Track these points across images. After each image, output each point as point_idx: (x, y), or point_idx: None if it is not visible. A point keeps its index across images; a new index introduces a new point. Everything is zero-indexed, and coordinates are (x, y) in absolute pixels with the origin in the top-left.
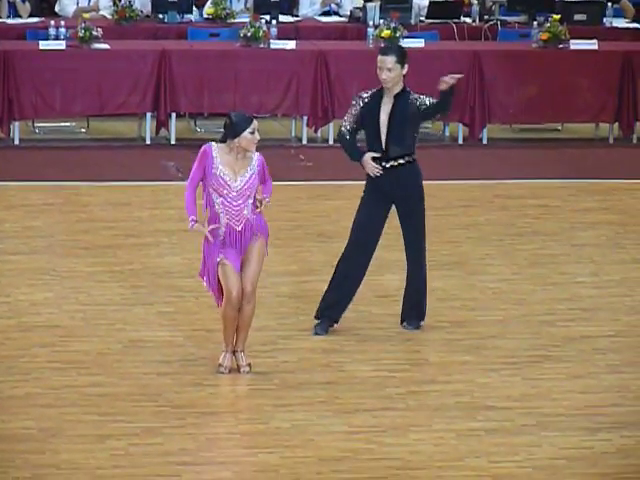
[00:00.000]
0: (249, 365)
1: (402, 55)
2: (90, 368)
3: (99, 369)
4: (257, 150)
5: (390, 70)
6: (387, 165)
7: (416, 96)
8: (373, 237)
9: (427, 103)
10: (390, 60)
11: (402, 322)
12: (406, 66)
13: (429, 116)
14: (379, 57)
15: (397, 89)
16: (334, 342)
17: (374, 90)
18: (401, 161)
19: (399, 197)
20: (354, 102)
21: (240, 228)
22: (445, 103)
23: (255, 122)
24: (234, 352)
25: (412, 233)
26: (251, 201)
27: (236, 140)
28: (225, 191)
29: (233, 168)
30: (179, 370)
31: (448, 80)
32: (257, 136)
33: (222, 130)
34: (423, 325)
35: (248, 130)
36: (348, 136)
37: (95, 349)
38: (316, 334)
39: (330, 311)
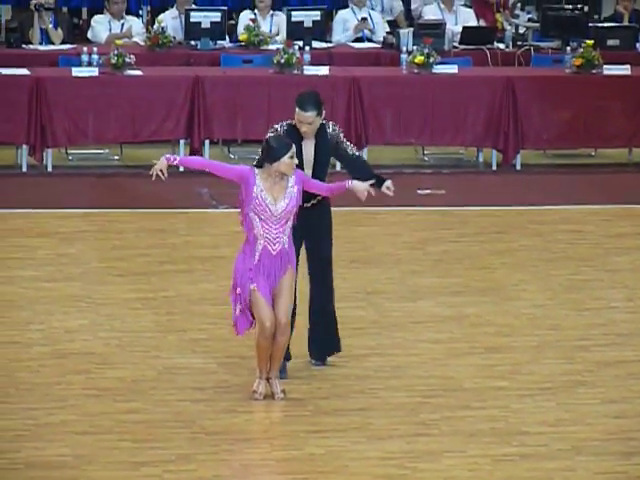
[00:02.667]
0: (283, 391)
1: (320, 106)
2: (125, 395)
3: (134, 396)
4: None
5: (310, 124)
6: (308, 205)
7: (336, 131)
8: None
9: (348, 153)
10: (310, 115)
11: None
12: (324, 112)
13: (339, 160)
14: (298, 111)
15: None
16: (368, 368)
17: (288, 123)
18: (319, 198)
19: (311, 233)
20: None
21: (275, 253)
22: (362, 177)
23: (293, 147)
24: (268, 379)
25: (323, 265)
26: (290, 225)
27: (275, 165)
28: (266, 215)
29: (272, 193)
30: (213, 397)
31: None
32: (295, 160)
33: (257, 155)
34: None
35: (288, 155)
36: None
37: (130, 376)
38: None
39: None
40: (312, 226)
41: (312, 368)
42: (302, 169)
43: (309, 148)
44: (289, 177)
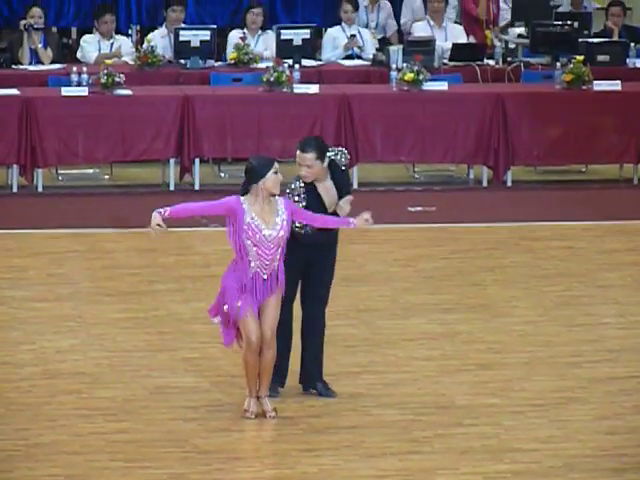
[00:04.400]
0: (274, 410)
1: (322, 150)
2: (116, 415)
3: (125, 416)
4: (283, 193)
5: (310, 167)
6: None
7: (343, 159)
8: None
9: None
10: (310, 157)
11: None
12: (326, 160)
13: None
14: (298, 153)
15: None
16: (360, 386)
17: (300, 183)
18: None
19: (317, 256)
20: (292, 191)
21: (266, 277)
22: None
23: (276, 163)
24: (258, 398)
25: (323, 289)
26: (280, 250)
27: (260, 183)
28: (260, 240)
29: (263, 218)
30: (205, 416)
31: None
32: (280, 177)
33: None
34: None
35: (271, 171)
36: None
37: (121, 395)
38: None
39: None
40: (323, 247)
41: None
42: (325, 211)
43: (330, 188)
44: (277, 200)
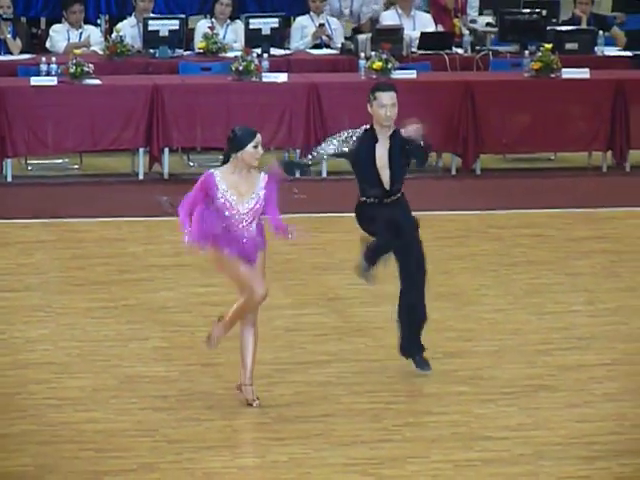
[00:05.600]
0: (258, 398)
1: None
2: (86, 404)
3: (95, 405)
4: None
5: (394, 105)
6: (388, 201)
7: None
8: None
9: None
10: (395, 95)
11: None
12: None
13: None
14: (387, 94)
15: (392, 128)
16: (330, 374)
17: (363, 130)
18: (398, 195)
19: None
20: (348, 134)
21: (245, 241)
22: (422, 157)
23: (259, 136)
24: (244, 386)
25: (414, 263)
26: (256, 222)
27: (239, 153)
28: (233, 213)
29: (239, 190)
30: (175, 405)
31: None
32: (260, 150)
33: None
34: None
35: (251, 144)
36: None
37: (91, 385)
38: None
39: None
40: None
41: (273, 375)
42: (376, 173)
43: (383, 150)
44: (259, 176)
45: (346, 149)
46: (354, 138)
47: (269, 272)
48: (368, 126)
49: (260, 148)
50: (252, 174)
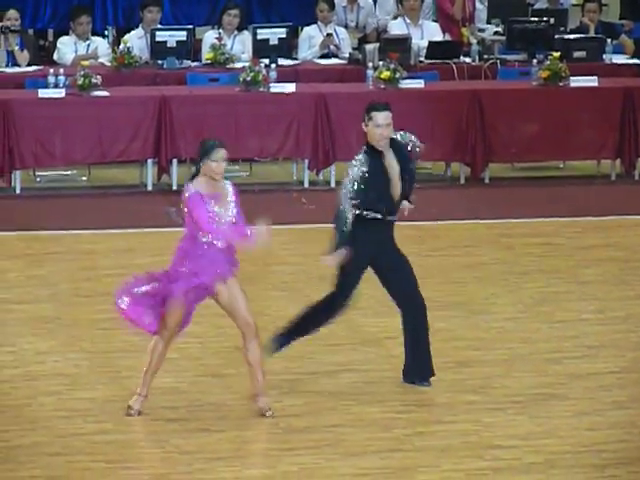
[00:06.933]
0: (270, 408)
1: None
2: (97, 416)
3: (105, 416)
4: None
5: (390, 125)
6: (390, 218)
7: (399, 134)
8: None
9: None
10: (390, 115)
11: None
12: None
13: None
14: (382, 114)
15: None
16: (340, 385)
17: (363, 151)
18: (395, 218)
19: (383, 250)
20: (356, 167)
21: (221, 245)
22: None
23: (222, 151)
24: (258, 397)
25: (410, 281)
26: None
27: (202, 164)
28: (216, 221)
29: (217, 199)
30: (186, 416)
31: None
32: (221, 167)
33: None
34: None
35: (211, 159)
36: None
37: (101, 397)
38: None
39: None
40: (388, 241)
41: (283, 385)
42: (388, 190)
43: (392, 165)
44: (225, 184)
45: (362, 182)
46: (362, 165)
47: (279, 282)
48: (365, 147)
49: (222, 164)
50: (219, 183)
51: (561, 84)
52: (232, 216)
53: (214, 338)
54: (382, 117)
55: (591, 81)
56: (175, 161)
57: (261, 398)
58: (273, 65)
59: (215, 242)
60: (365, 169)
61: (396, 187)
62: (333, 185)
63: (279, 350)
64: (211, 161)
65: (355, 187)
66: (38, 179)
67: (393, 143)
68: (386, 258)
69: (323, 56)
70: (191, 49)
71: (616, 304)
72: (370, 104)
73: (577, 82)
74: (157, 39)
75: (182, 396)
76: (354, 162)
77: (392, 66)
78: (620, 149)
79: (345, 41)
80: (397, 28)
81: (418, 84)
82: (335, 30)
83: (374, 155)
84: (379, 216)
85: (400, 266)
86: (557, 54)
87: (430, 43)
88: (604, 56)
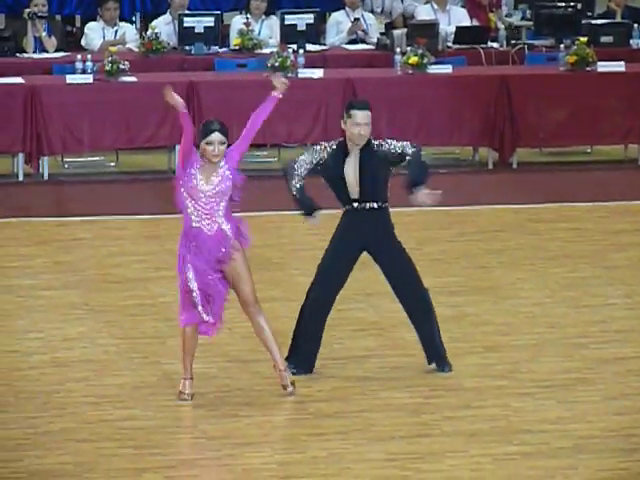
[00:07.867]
0: (293, 384)
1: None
2: (125, 402)
3: (134, 402)
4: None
5: (368, 125)
6: (358, 207)
7: (377, 142)
8: (339, 282)
9: (398, 151)
10: (370, 114)
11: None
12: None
13: (395, 165)
14: (362, 112)
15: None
16: (368, 370)
17: (337, 142)
18: (374, 205)
19: (372, 243)
20: (320, 149)
21: (211, 234)
22: (416, 174)
23: (214, 135)
24: (278, 371)
25: (402, 279)
26: (224, 205)
27: (202, 142)
28: (196, 194)
29: (204, 173)
30: (214, 401)
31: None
32: (216, 150)
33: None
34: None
35: (204, 140)
36: (298, 182)
37: (129, 382)
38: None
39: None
40: (374, 233)
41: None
42: (344, 187)
43: (352, 164)
44: (220, 162)
45: (318, 166)
46: (326, 152)
47: (306, 268)
48: (342, 139)
49: (215, 147)
50: (214, 163)
51: (588, 69)
52: (212, 190)
53: (242, 324)
54: (362, 116)
55: (618, 66)
56: None
57: (282, 374)
58: (301, 50)
59: (194, 229)
60: (325, 157)
61: (352, 186)
62: None
63: (303, 370)
64: (206, 144)
65: (309, 161)
66: (66, 165)
67: (368, 147)
68: (379, 251)
69: (351, 42)
70: (219, 34)
71: None
72: (350, 101)
73: (604, 67)
74: (185, 25)
75: (210, 382)
76: (323, 143)
77: (420, 51)
78: None
79: (373, 27)
80: (425, 13)
81: (446, 69)
82: (363, 15)
83: (339, 153)
84: (348, 207)
85: (393, 261)
86: (584, 39)
87: (458, 28)
88: (631, 41)
